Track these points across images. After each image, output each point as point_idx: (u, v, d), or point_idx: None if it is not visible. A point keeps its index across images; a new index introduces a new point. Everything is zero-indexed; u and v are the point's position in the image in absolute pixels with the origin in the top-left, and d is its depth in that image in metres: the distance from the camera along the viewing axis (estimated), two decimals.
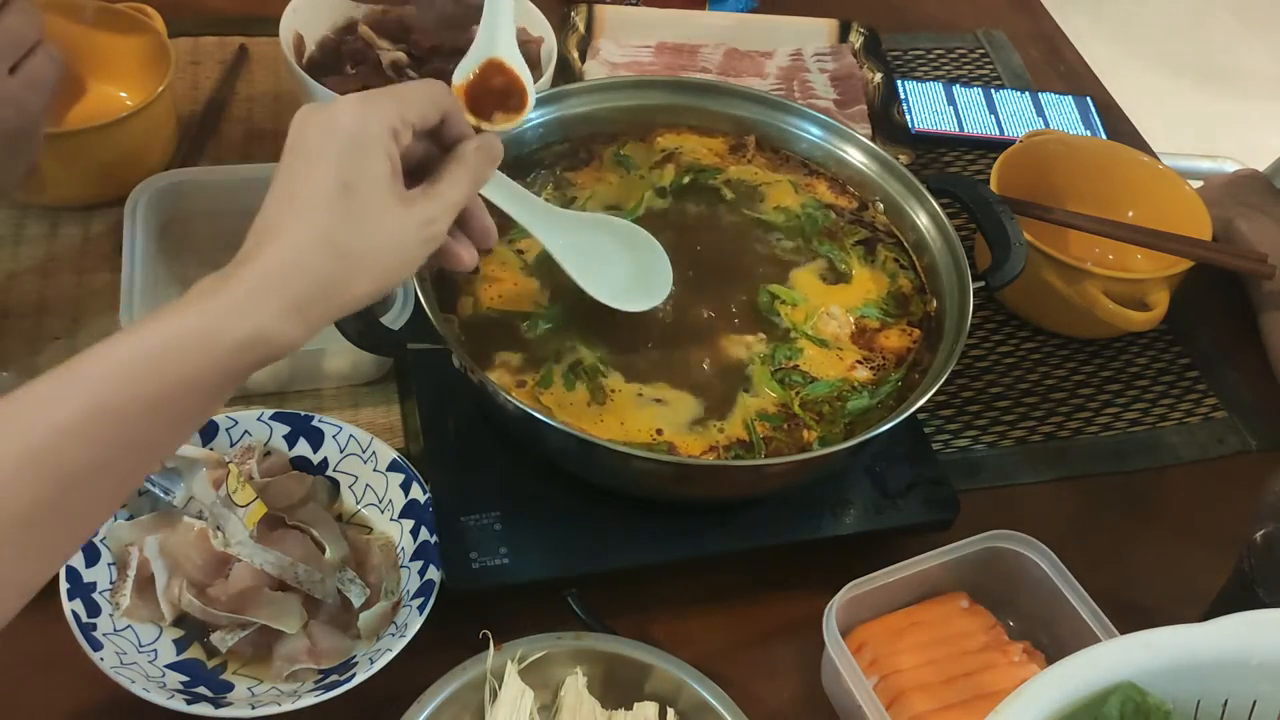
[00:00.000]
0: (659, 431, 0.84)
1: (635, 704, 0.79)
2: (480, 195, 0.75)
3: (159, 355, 0.60)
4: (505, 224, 0.95)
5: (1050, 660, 0.85)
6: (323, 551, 0.84)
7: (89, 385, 0.59)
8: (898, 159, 1.02)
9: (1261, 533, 0.81)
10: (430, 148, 0.72)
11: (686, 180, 1.01)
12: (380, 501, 0.89)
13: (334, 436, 0.90)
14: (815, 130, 1.04)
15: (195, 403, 0.62)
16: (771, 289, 0.94)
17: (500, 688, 0.77)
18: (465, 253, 0.73)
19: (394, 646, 0.78)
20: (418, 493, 0.87)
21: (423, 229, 0.67)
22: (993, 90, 1.39)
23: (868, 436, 0.82)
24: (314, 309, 0.63)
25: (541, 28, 1.20)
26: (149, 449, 0.62)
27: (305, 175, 0.64)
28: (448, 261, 0.73)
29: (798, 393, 0.88)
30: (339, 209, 0.64)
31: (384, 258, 0.66)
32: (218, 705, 0.75)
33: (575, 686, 0.79)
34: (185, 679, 0.78)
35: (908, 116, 1.31)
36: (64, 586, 0.78)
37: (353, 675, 0.77)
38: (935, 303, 0.95)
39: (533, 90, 0.78)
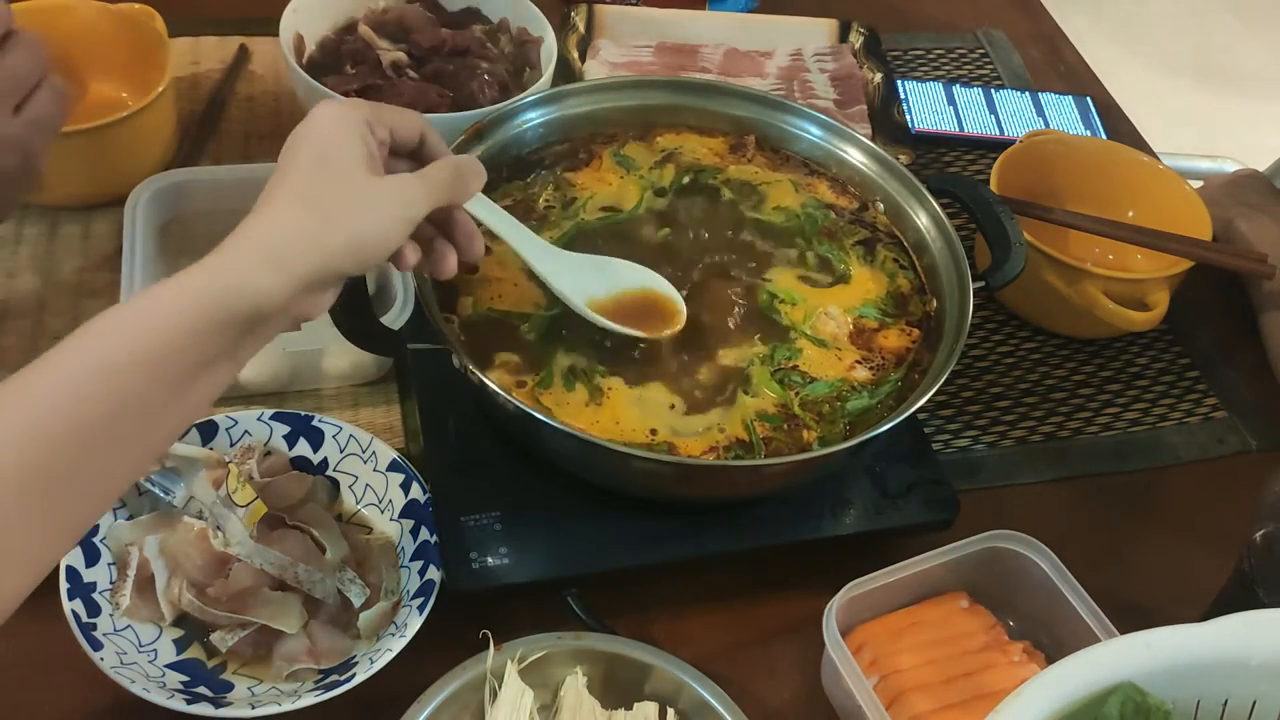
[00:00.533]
0: (653, 432, 0.84)
1: (635, 704, 0.79)
2: (479, 219, 0.79)
3: (144, 311, 0.63)
4: None
5: (1050, 660, 0.85)
6: (323, 551, 0.84)
7: (83, 348, 0.61)
8: (898, 159, 1.02)
9: (1261, 533, 0.81)
10: (414, 167, 0.76)
11: (686, 180, 1.01)
12: (380, 501, 0.89)
13: (334, 436, 0.90)
14: (815, 130, 1.04)
15: (185, 361, 0.63)
16: (770, 289, 0.94)
17: (500, 688, 0.77)
18: (449, 258, 0.77)
19: (394, 646, 0.78)
20: (418, 493, 0.87)
21: (399, 194, 0.70)
22: (993, 90, 1.39)
23: (868, 436, 0.82)
24: (290, 257, 0.65)
25: (541, 28, 1.20)
26: (146, 411, 0.62)
27: (290, 159, 0.69)
28: (432, 265, 0.76)
29: (797, 393, 0.88)
30: (313, 173, 0.68)
31: (358, 215, 0.68)
32: (218, 705, 0.75)
33: (575, 686, 0.79)
34: (185, 679, 0.78)
35: (908, 116, 1.31)
36: (64, 586, 0.78)
37: (353, 675, 0.77)
38: (935, 302, 0.95)
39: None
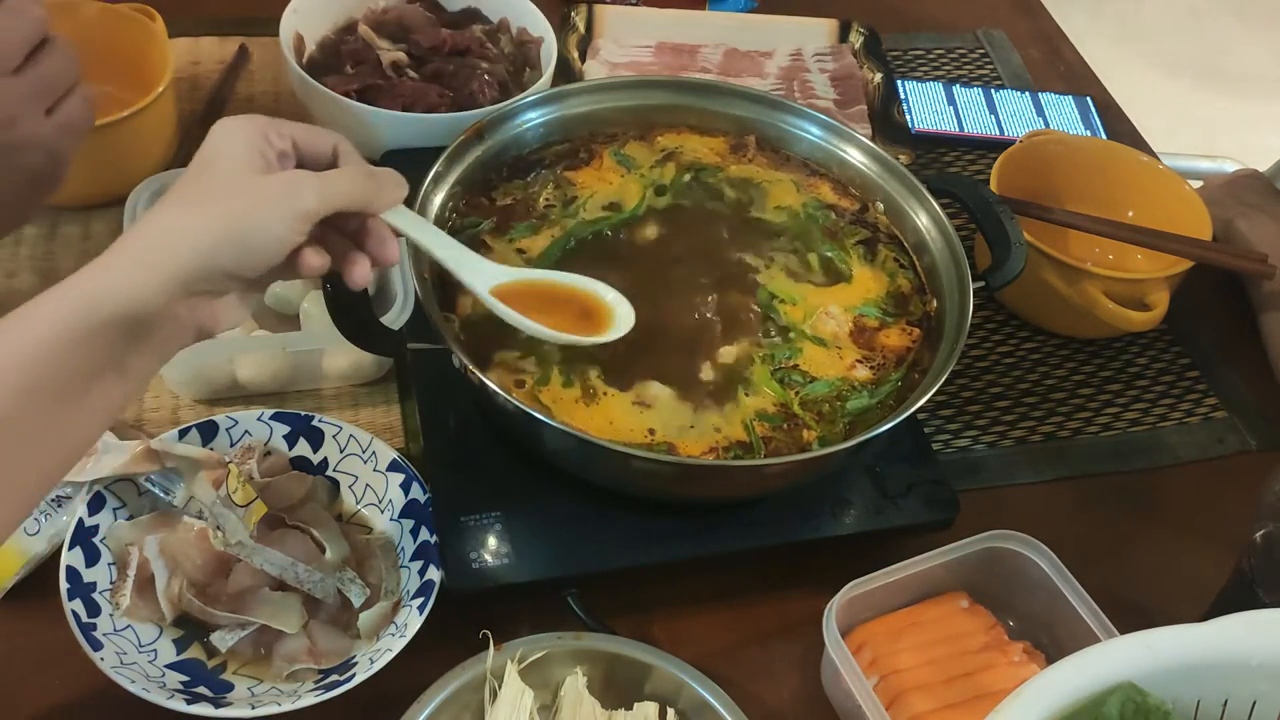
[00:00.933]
0: (652, 431, 0.84)
1: (635, 704, 0.79)
2: (402, 231, 0.74)
3: (12, 323, 0.62)
4: (506, 222, 0.95)
5: (1050, 660, 0.85)
6: (323, 551, 0.84)
7: None
8: (898, 159, 1.02)
9: (1261, 533, 0.81)
10: None
11: (687, 179, 1.01)
12: (380, 501, 0.89)
13: (334, 436, 0.90)
14: (815, 130, 1.04)
15: (60, 372, 0.61)
16: (771, 288, 0.94)
17: (500, 688, 0.77)
18: (359, 264, 0.72)
19: (394, 646, 0.78)
20: (418, 493, 0.87)
21: (285, 189, 0.67)
22: (993, 90, 1.39)
23: (868, 436, 0.82)
24: (164, 256, 0.63)
25: (541, 28, 1.20)
26: (21, 427, 0.61)
27: (183, 174, 0.68)
28: (343, 272, 0.73)
29: (797, 392, 0.88)
30: (192, 175, 0.67)
31: (239, 209, 0.65)
32: (218, 705, 0.75)
33: (575, 686, 0.79)
34: (185, 679, 0.78)
35: (908, 116, 1.31)
36: (64, 586, 0.78)
37: (353, 675, 0.77)
38: (935, 302, 0.95)
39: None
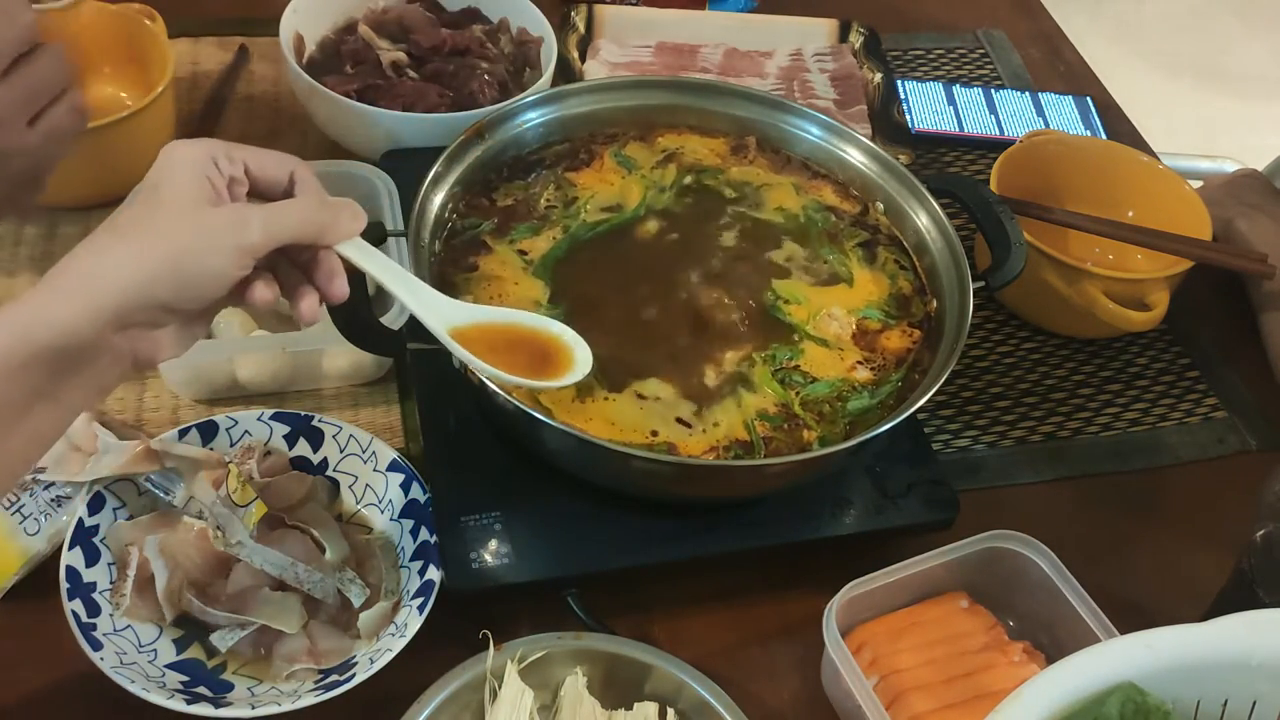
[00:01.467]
0: (654, 433, 0.84)
1: (635, 704, 0.79)
2: (356, 263, 0.71)
3: None
4: (507, 223, 0.95)
5: (1050, 660, 0.85)
6: (323, 551, 0.84)
7: None
8: (898, 159, 1.02)
9: (1261, 533, 0.81)
10: None
11: (688, 180, 1.01)
12: (380, 501, 0.89)
13: (334, 436, 0.90)
14: (815, 130, 1.04)
15: (3, 392, 0.60)
16: (774, 289, 0.94)
17: (500, 688, 0.77)
18: (306, 299, 0.70)
19: (394, 646, 0.78)
20: (418, 493, 0.87)
21: (228, 222, 0.65)
22: (993, 90, 1.39)
23: (868, 436, 0.82)
24: (97, 286, 0.62)
25: (541, 28, 1.20)
26: None
27: (126, 200, 0.67)
28: (292, 307, 0.70)
29: (798, 393, 0.88)
30: (137, 206, 0.65)
31: (177, 242, 0.63)
32: (218, 705, 0.75)
33: (575, 686, 0.79)
34: (185, 679, 0.78)
35: (908, 116, 1.32)
36: (64, 586, 0.78)
37: (353, 675, 0.77)
38: (935, 303, 0.95)
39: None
